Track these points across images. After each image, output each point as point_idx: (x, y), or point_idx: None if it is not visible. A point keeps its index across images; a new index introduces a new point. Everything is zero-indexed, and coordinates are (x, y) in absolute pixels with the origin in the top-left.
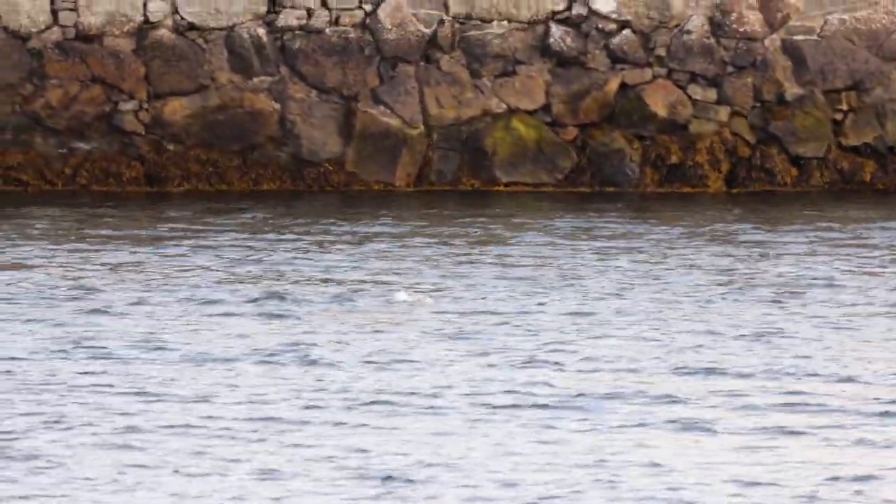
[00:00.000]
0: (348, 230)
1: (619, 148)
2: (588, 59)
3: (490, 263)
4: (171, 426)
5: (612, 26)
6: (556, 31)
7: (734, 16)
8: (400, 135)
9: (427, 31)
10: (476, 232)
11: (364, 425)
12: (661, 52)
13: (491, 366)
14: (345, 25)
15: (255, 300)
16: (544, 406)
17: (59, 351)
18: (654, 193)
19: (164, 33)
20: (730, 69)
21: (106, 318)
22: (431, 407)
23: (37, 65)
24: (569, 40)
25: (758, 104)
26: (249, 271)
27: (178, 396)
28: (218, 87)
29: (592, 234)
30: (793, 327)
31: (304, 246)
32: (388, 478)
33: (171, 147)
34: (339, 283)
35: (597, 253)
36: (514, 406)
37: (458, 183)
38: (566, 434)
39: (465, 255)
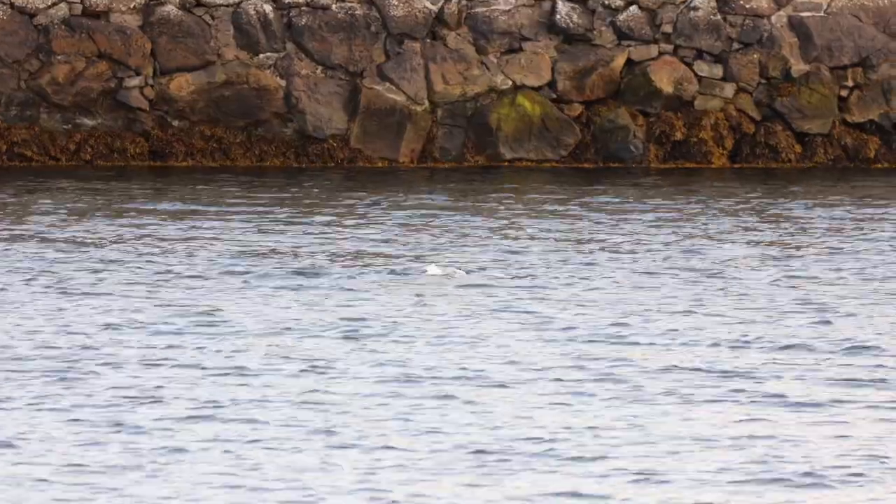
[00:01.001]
0: (364, 205)
1: (624, 124)
2: (594, 36)
3: (506, 238)
4: (253, 400)
5: (619, 3)
6: (562, 7)
7: None
8: (405, 111)
9: (433, 7)
10: (489, 206)
11: (451, 398)
12: (668, 28)
13: (552, 341)
14: (351, 2)
15: (295, 274)
16: (628, 381)
17: (128, 324)
18: (657, 169)
19: (170, 9)
20: (736, 46)
21: (166, 293)
22: (518, 382)
23: (43, 41)
24: (575, 17)
25: (763, 81)
26: (274, 247)
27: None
28: (224, 63)
29: (613, 209)
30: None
31: (324, 221)
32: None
33: (175, 123)
34: (368, 257)
35: (615, 226)
36: (598, 380)
37: (462, 159)
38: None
39: (484, 228)
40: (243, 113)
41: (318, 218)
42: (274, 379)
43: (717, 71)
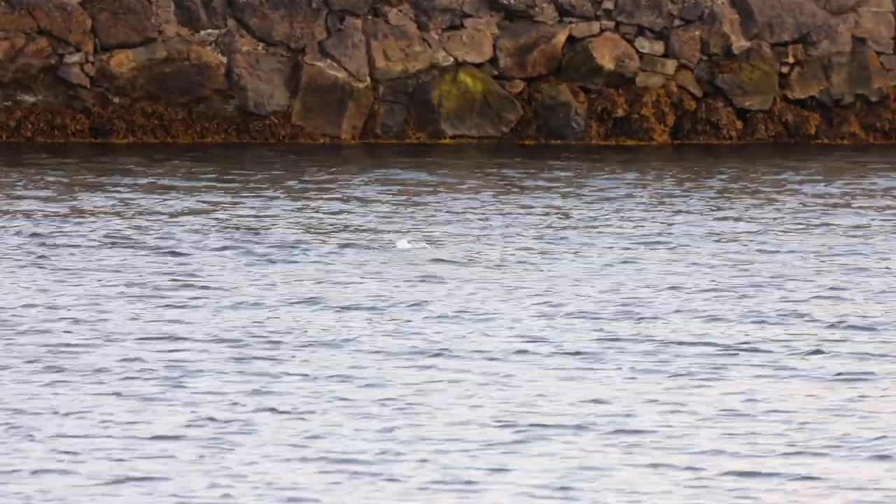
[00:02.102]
0: (311, 181)
1: (566, 101)
2: (536, 13)
3: (455, 212)
4: (296, 374)
5: None
6: None
7: None
8: (346, 88)
9: None
10: (432, 181)
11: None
12: (609, 5)
13: (544, 316)
14: None
15: (271, 248)
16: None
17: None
18: (599, 146)
19: None
20: (677, 22)
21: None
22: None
23: None
24: None
25: (705, 57)
26: (236, 223)
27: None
28: (165, 39)
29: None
30: None
31: (273, 196)
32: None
33: (116, 100)
34: (336, 232)
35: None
36: (596, 355)
37: (403, 136)
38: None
39: (438, 203)
40: (184, 90)
41: (272, 193)
42: (298, 353)
43: (659, 47)
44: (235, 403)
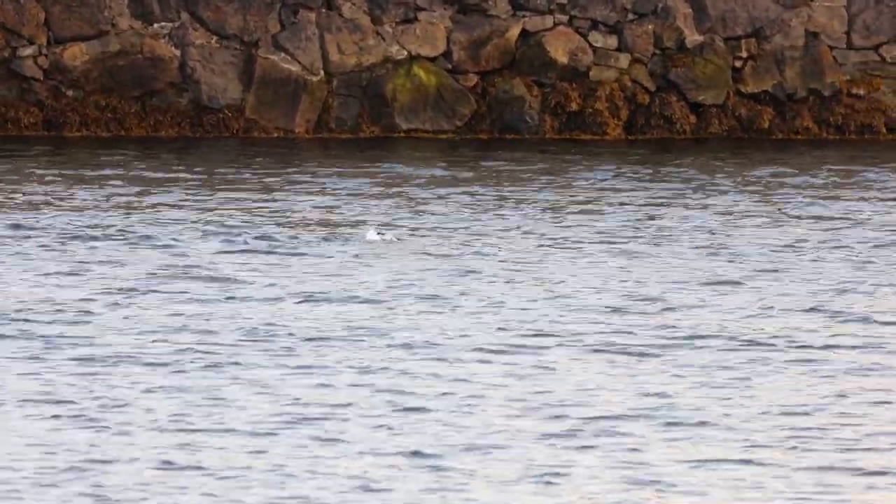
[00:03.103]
0: (274, 175)
1: (520, 95)
2: (489, 6)
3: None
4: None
5: None
6: None
7: None
8: (300, 81)
9: None
10: (387, 173)
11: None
12: None
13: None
14: None
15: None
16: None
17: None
18: (553, 140)
19: None
20: (631, 16)
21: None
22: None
23: None
24: None
25: (658, 51)
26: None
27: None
28: (118, 32)
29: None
30: None
31: (243, 191)
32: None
33: (70, 93)
34: (305, 225)
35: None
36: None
37: (357, 130)
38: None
39: (396, 196)
40: (138, 83)
41: (232, 188)
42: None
43: (612, 42)
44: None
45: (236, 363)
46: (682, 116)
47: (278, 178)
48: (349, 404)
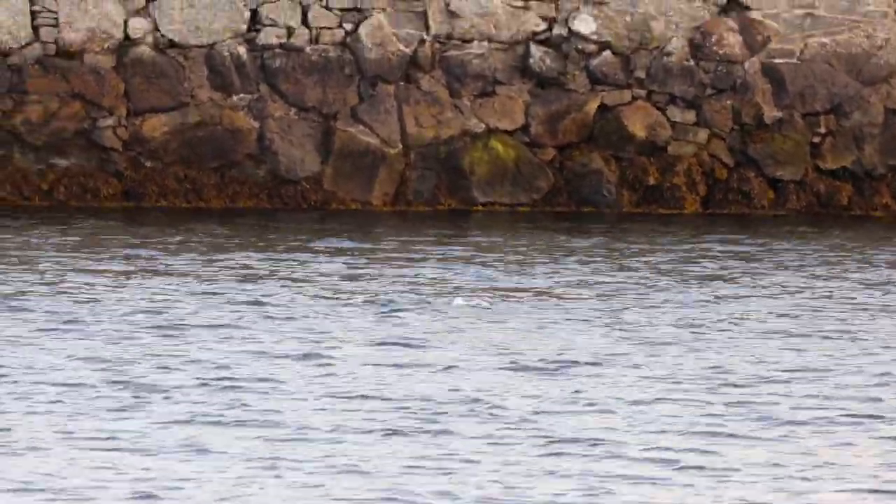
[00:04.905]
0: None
1: (597, 168)
2: (567, 80)
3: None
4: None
5: (593, 47)
6: (536, 51)
7: (714, 38)
8: (378, 153)
9: (407, 50)
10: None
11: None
12: (641, 73)
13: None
14: (325, 44)
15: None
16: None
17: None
18: (630, 214)
19: (144, 50)
20: (709, 91)
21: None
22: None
23: (17, 80)
24: (549, 61)
25: (736, 127)
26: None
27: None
28: (197, 104)
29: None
30: None
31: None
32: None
33: (148, 163)
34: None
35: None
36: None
37: (435, 202)
38: None
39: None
40: (216, 154)
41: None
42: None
43: (690, 116)
44: None
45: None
46: (760, 192)
47: (366, 248)
48: None
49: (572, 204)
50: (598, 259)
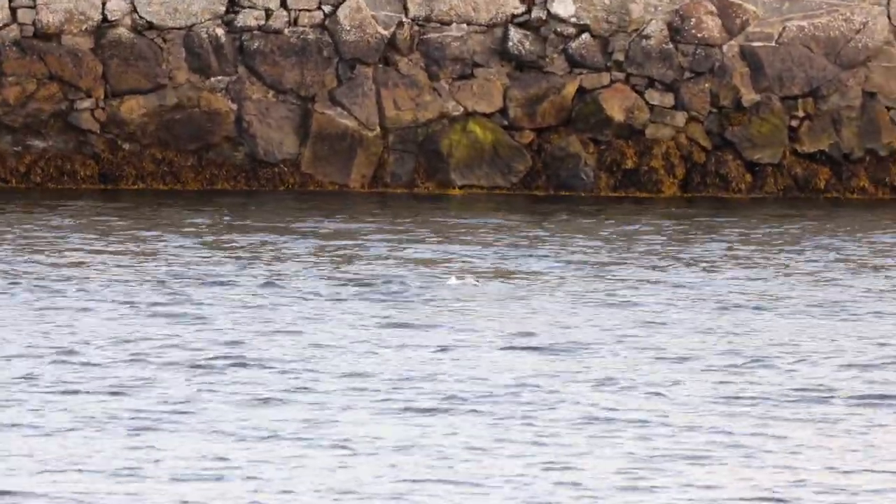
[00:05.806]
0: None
1: (575, 152)
2: (546, 63)
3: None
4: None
5: (571, 30)
6: (514, 34)
7: (693, 21)
8: (356, 136)
9: (386, 32)
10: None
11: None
12: (620, 56)
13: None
14: (303, 26)
15: (363, 286)
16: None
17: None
18: (608, 198)
19: (122, 32)
20: (687, 74)
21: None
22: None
23: None
24: (527, 44)
25: (714, 110)
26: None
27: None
28: (175, 86)
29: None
30: None
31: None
32: None
33: (126, 146)
34: (395, 268)
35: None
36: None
37: (412, 185)
38: None
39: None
40: (194, 136)
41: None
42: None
43: (669, 99)
44: None
45: None
46: (737, 175)
47: (334, 230)
48: None
49: (550, 187)
50: (580, 241)
